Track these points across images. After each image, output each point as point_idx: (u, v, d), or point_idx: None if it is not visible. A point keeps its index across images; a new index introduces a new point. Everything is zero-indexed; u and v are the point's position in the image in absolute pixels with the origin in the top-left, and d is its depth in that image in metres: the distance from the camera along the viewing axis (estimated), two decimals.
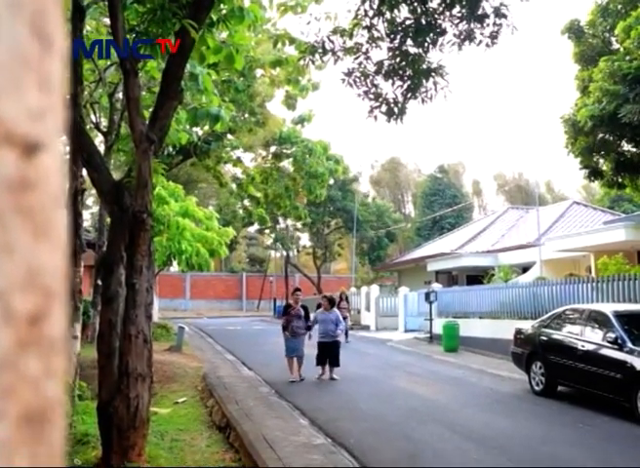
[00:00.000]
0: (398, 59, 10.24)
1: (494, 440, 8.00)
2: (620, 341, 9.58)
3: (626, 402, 9.19)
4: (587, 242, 19.51)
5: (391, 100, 10.51)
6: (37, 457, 0.40)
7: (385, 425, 8.98)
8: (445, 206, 47.83)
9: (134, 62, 6.73)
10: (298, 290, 14.16)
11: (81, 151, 7.40)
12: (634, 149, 15.67)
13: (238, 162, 22.48)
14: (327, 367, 13.21)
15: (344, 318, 21.57)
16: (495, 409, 10.27)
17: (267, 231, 46.29)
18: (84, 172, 11.50)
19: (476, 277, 24.71)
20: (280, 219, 42.94)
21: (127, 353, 7.29)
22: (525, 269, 23.61)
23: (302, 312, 13.37)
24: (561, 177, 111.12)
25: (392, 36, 10.14)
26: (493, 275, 22.39)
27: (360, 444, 7.81)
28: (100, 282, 13.67)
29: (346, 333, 20.63)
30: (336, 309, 13.97)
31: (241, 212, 35.58)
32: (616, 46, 15.58)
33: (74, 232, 11.32)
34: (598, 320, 10.58)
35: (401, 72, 10.22)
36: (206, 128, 19.49)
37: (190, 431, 9.07)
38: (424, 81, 10.22)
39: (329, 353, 13.16)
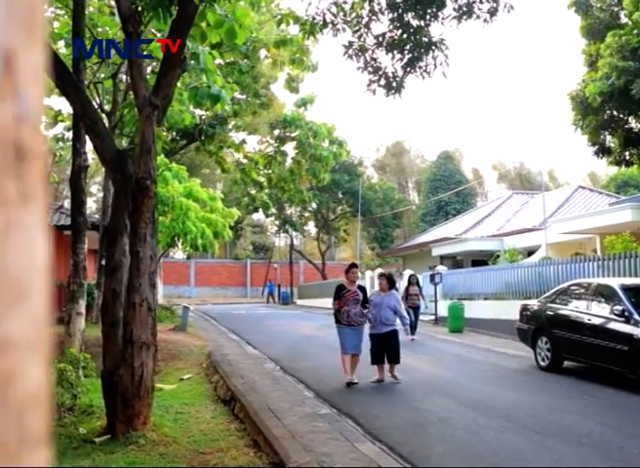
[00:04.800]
0: (399, 32, 10.14)
1: (500, 410, 7.97)
2: (626, 314, 9.51)
3: (632, 374, 9.14)
4: (593, 223, 19.38)
5: (390, 74, 10.41)
6: None
7: (391, 397, 8.97)
8: (449, 191, 47.57)
9: (135, 25, 6.64)
10: (354, 265, 10.64)
11: (84, 118, 7.33)
12: None
13: (241, 146, 22.29)
14: (385, 366, 10.25)
15: (417, 308, 17.52)
16: (500, 383, 10.23)
17: (272, 218, 46.24)
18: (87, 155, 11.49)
19: (481, 261, 24.60)
20: (285, 206, 42.95)
21: (131, 321, 7.26)
22: (530, 253, 23.48)
23: (361, 295, 10.21)
24: (564, 167, 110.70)
25: (393, 8, 10.03)
26: (498, 256, 22.29)
27: (366, 413, 7.79)
28: (103, 262, 13.65)
29: (413, 327, 16.43)
30: (395, 292, 10.89)
31: (245, 199, 35.57)
32: (624, 20, 15.37)
33: (78, 209, 11.32)
34: (604, 293, 10.50)
35: (402, 45, 10.11)
36: (210, 112, 19.40)
37: (195, 405, 9.08)
38: (425, 55, 10.11)
39: (386, 347, 10.18)
